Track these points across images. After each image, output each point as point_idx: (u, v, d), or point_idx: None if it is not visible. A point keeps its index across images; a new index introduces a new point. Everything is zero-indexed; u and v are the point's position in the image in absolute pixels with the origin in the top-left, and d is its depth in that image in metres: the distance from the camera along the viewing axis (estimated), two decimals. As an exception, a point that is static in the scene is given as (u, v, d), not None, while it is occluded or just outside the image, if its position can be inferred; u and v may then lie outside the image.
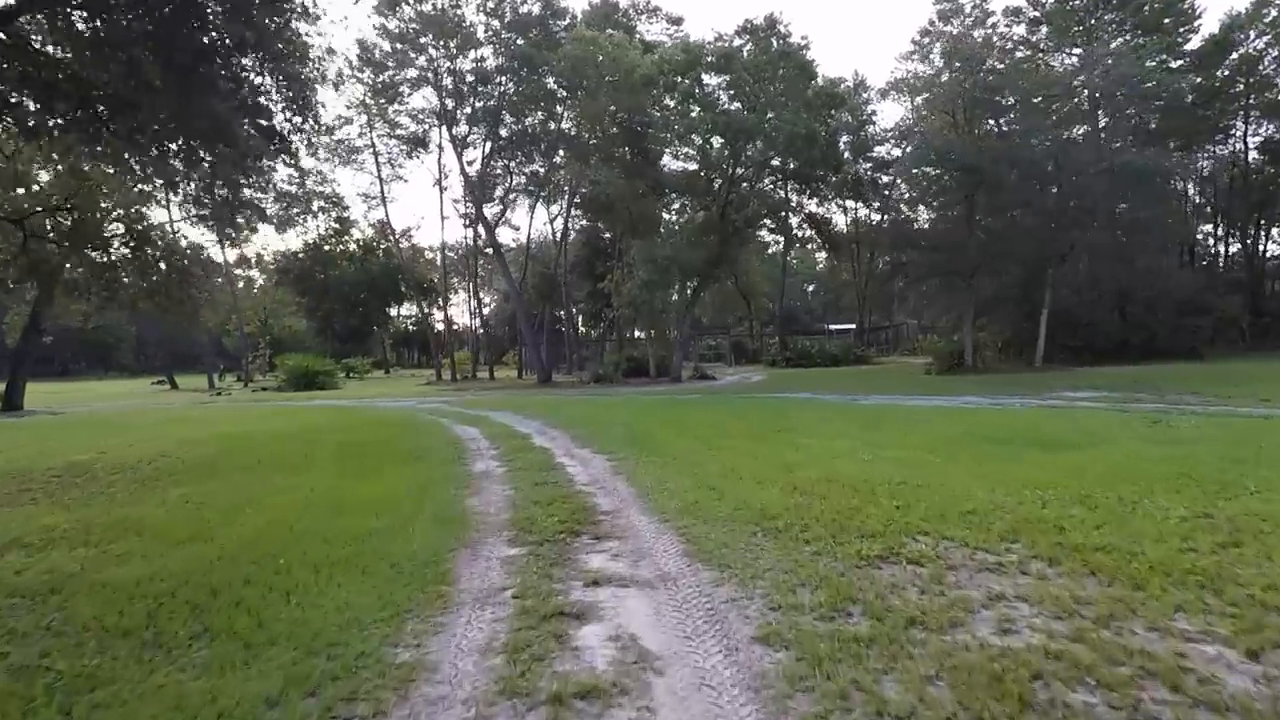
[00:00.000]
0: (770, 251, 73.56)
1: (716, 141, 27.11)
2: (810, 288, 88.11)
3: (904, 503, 5.50)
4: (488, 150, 32.62)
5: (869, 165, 40.75)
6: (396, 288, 58.58)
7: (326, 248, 57.33)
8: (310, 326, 61.54)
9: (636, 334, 48.16)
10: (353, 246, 59.29)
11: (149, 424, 15.29)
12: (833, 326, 64.49)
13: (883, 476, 6.47)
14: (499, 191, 35.87)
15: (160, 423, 15.52)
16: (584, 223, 50.06)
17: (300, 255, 56.83)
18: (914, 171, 27.45)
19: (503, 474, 7.78)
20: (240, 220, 10.12)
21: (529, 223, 43.64)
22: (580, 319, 56.48)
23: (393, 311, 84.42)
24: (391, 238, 48.50)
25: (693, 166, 30.16)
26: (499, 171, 34.71)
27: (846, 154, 37.86)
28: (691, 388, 24.51)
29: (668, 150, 32.61)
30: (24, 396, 19.76)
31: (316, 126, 10.30)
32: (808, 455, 7.93)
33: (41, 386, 49.46)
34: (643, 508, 5.83)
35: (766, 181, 28.12)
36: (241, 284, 71.69)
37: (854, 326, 60.27)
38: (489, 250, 37.47)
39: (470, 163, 33.33)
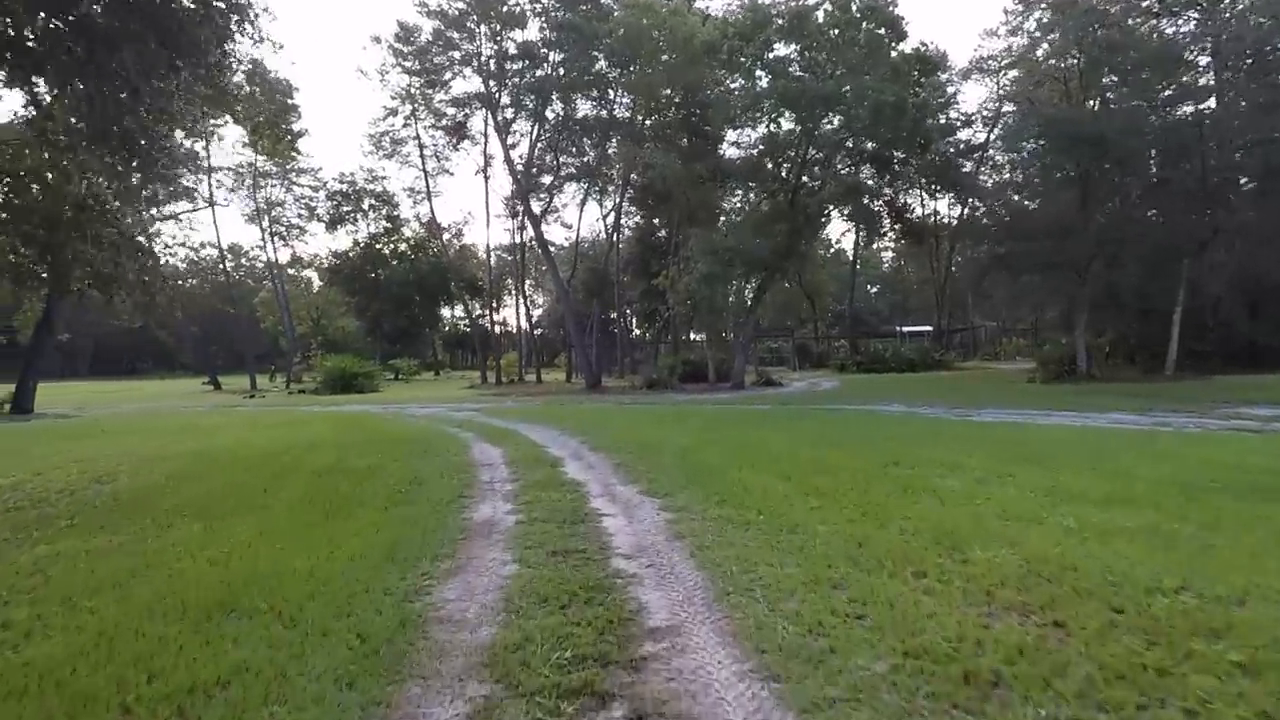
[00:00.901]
0: (835, 248, 69.93)
1: (785, 121, 24.36)
2: (874, 289, 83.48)
3: (1244, 654, 2.84)
4: (534, 135, 30.57)
5: (950, 151, 37.08)
6: (446, 287, 57.59)
7: (378, 246, 56.76)
8: (360, 327, 61.20)
9: (693, 336, 45.64)
10: (403, 246, 58.62)
11: (139, 432, 13.65)
12: (905, 328, 60.38)
13: (1138, 573, 3.78)
14: (546, 180, 33.79)
15: (153, 431, 13.86)
16: (638, 219, 47.93)
17: (350, 254, 56.42)
18: (1017, 151, 24.02)
19: (511, 529, 5.43)
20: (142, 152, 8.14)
21: (579, 218, 40.48)
22: (633, 320, 54.30)
23: (446, 312, 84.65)
24: (438, 234, 47.21)
25: (757, 150, 27.50)
26: (546, 159, 32.63)
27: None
28: (757, 395, 21.80)
29: (729, 133, 30.03)
30: (34, 399, 18.71)
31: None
32: (966, 514, 5.26)
33: (91, 385, 50.36)
34: (724, 629, 3.33)
35: (840, 166, 25.13)
36: (296, 284, 72.79)
37: (929, 328, 56.18)
38: (535, 245, 35.65)
39: (513, 145, 31.32)
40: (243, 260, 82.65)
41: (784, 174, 25.34)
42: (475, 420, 14.81)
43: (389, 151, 37.33)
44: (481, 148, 34.78)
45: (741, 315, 24.35)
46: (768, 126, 24.99)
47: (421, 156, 37.30)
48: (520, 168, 30.27)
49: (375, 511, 5.98)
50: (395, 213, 56.05)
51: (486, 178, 35.29)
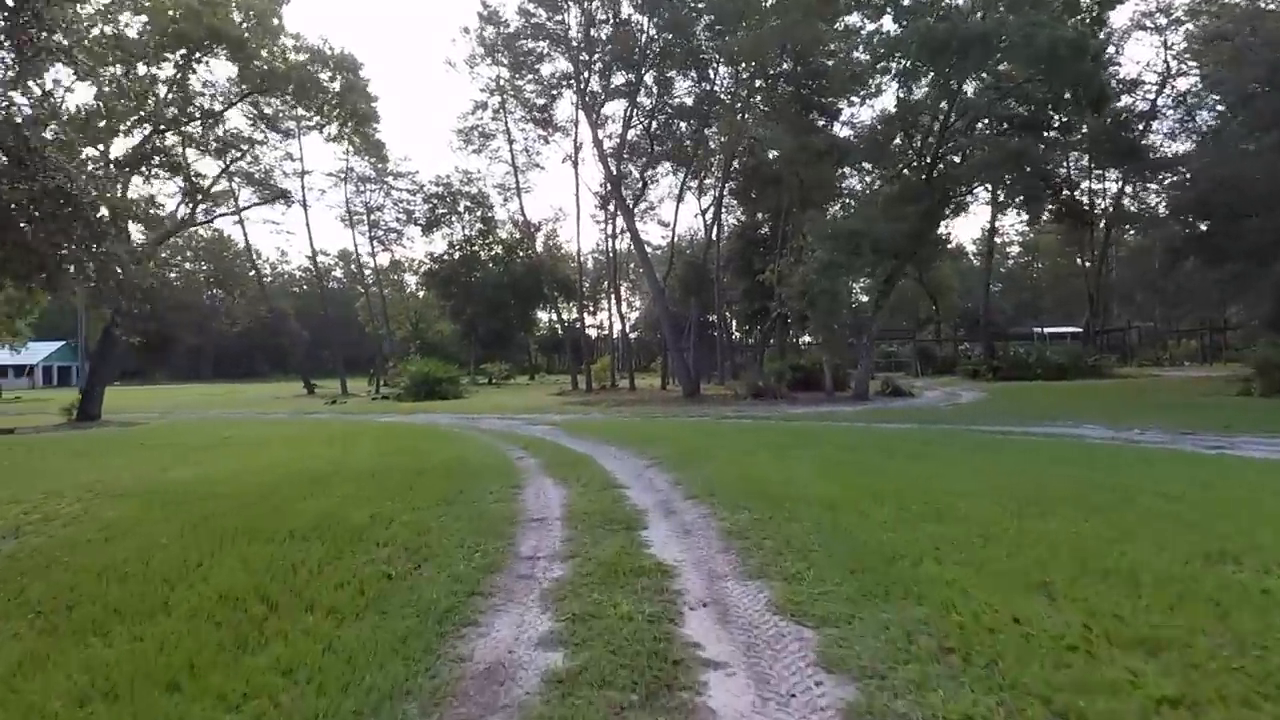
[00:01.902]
0: (953, 240, 63.67)
1: (919, 87, 20.65)
2: (996, 287, 75.37)
3: None
4: (627, 114, 27.94)
5: (1123, 117, 31.60)
6: (539, 289, 56.61)
7: (472, 248, 56.52)
8: (455, 330, 61.32)
9: (801, 338, 41.92)
10: (497, 249, 58.18)
11: (163, 447, 12.16)
12: (1044, 329, 53.69)
13: None
14: (639, 165, 31.20)
15: (180, 447, 12.33)
16: (738, 214, 44.74)
17: (446, 257, 56.47)
18: (1223, 104, 19.16)
19: (534, 691, 2.82)
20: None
21: (675, 213, 38.02)
22: (732, 322, 51.08)
23: (543, 316, 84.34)
24: (531, 235, 45.86)
25: (881, 124, 23.83)
26: (639, 145, 30.05)
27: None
28: (887, 409, 18.30)
29: (845, 109, 26.49)
30: (101, 405, 18.10)
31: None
32: None
33: (200, 388, 52.50)
34: None
35: (989, 132, 21.07)
36: (397, 289, 74.45)
37: (1075, 330, 49.50)
38: (626, 235, 33.28)
39: (601, 126, 28.83)
40: (353, 265, 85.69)
41: (917, 146, 21.61)
42: (548, 439, 12.37)
43: (478, 146, 36.14)
44: (571, 138, 32.85)
45: (866, 312, 20.80)
46: (899, 90, 21.36)
47: (511, 151, 35.87)
48: (611, 151, 27.87)
49: (307, 642, 3.46)
50: (490, 214, 55.67)
51: (576, 165, 33.01)
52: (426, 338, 68.57)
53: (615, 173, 26.17)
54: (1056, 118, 20.82)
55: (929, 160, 20.64)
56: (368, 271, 64.19)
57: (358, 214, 53.52)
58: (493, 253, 57.79)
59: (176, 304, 76.65)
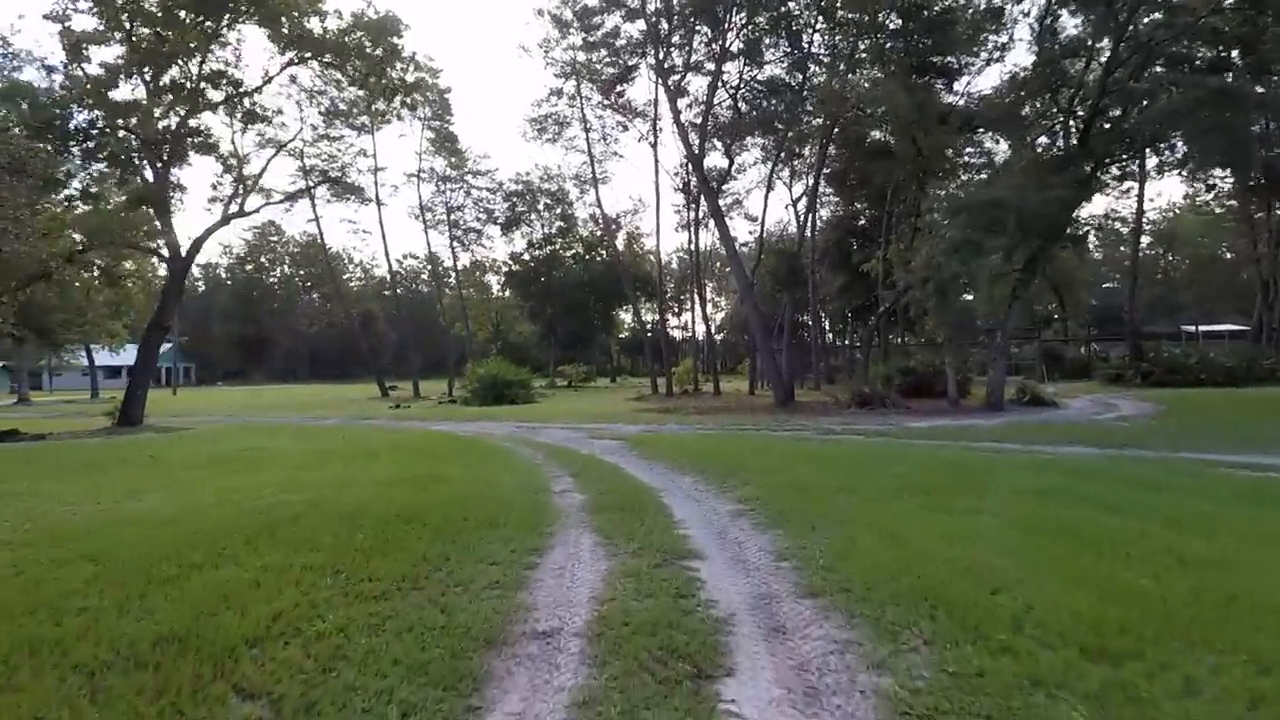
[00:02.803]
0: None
1: (1068, 27, 16.92)
2: (1108, 285, 66.75)
3: None
4: (712, 78, 24.80)
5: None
6: (619, 287, 54.63)
7: (551, 247, 55.17)
8: (534, 332, 60.22)
9: (908, 339, 37.81)
10: (577, 247, 56.62)
11: (186, 460, 10.39)
12: (1198, 327, 46.80)
13: None
14: (723, 142, 28.17)
15: (192, 464, 10.55)
16: (834, 205, 41.07)
17: (525, 257, 55.37)
18: None
19: None
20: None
21: (765, 200, 34.67)
22: (825, 321, 47.23)
23: (626, 315, 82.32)
24: (611, 231, 43.70)
25: (1013, 84, 19.98)
26: (723, 115, 26.97)
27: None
28: (1037, 425, 14.76)
29: (968, 67, 22.76)
30: (143, 408, 17.05)
31: None
32: None
33: (281, 390, 53.01)
34: None
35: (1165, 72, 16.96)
36: (479, 290, 74.40)
37: (1239, 328, 42.78)
38: (709, 228, 30.57)
39: (683, 93, 25.87)
40: (433, 266, 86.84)
41: (1063, 103, 17.77)
42: (608, 460, 9.86)
43: (553, 135, 34.27)
44: (650, 119, 30.37)
45: (1003, 304, 17.12)
46: (1035, 39, 17.62)
47: (588, 140, 33.80)
48: (692, 125, 25.02)
49: None
50: (570, 210, 54.15)
51: (655, 144, 30.46)
52: (508, 339, 68.08)
53: (697, 151, 23.42)
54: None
55: (1081, 117, 16.82)
56: (450, 272, 64.19)
57: (438, 214, 53.23)
58: (572, 251, 56.28)
59: (271, 307, 79.94)
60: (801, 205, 41.14)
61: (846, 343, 61.06)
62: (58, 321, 33.09)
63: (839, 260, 43.00)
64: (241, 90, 16.07)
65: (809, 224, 28.91)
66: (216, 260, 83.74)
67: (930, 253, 15.52)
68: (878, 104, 16.91)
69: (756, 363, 34.46)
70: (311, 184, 35.72)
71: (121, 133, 14.07)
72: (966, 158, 20.74)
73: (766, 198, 32.90)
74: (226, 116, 16.74)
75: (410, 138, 42.83)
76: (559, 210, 54.24)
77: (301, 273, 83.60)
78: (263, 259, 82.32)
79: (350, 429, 16.98)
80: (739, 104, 24.27)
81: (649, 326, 48.89)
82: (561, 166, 44.26)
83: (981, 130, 20.32)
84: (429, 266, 76.06)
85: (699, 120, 24.94)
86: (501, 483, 7.86)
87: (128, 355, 65.16)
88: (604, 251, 54.58)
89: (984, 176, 18.66)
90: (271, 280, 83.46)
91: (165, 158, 15.12)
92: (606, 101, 32.46)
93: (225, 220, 18.50)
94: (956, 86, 23.83)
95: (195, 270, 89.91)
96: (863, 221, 42.33)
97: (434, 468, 9.06)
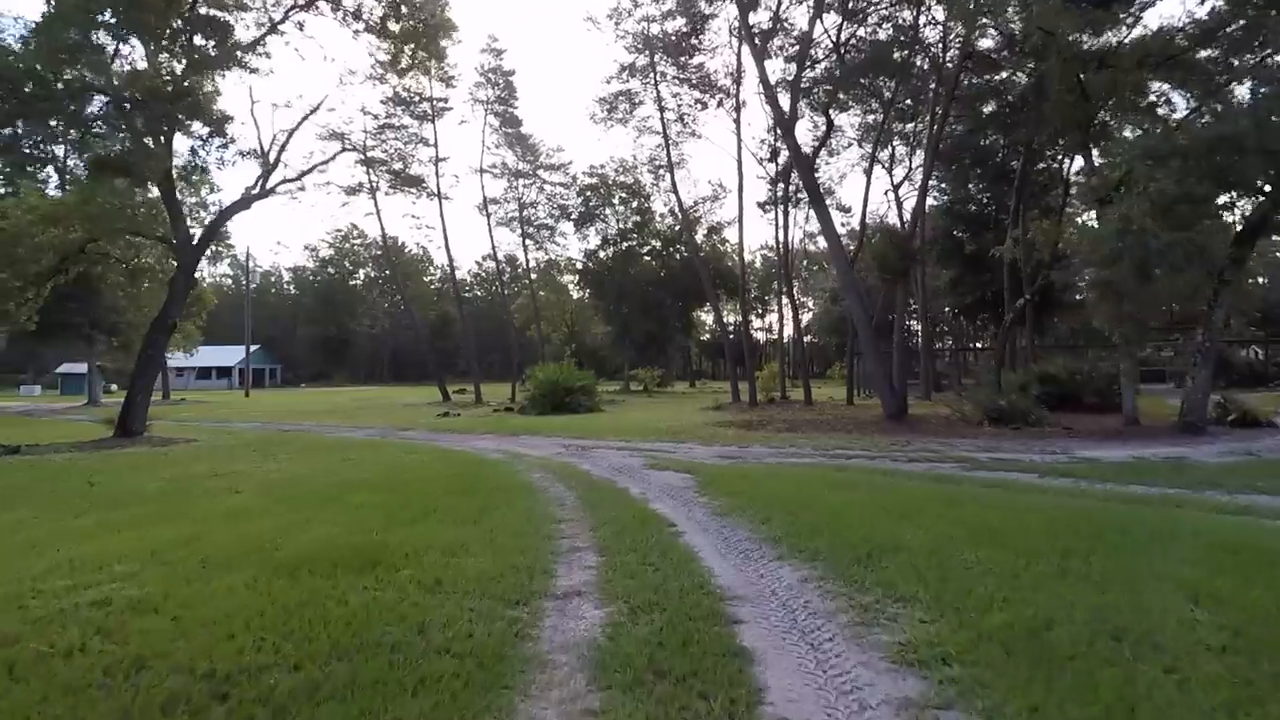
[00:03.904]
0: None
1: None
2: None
3: None
4: (810, 27, 20.91)
5: None
6: (698, 285, 51.19)
7: (626, 243, 52.31)
8: (609, 333, 57.52)
9: (1034, 340, 32.61)
10: (654, 242, 53.55)
11: (109, 501, 7.86)
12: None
13: None
14: (818, 104, 24.15)
15: (125, 500, 8.02)
16: (938, 193, 36.22)
17: (600, 254, 52.76)
18: None
19: None
20: None
21: (868, 170, 30.35)
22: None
23: (706, 316, 78.29)
24: (688, 221, 40.24)
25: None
26: (822, 53, 22.91)
27: None
28: (1274, 456, 10.50)
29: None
30: (145, 417, 15.05)
31: None
32: None
33: (352, 390, 52.09)
34: None
35: None
36: (555, 290, 72.49)
37: None
38: (802, 201, 26.62)
39: (770, 47, 22.05)
40: (506, 266, 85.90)
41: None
42: (662, 518, 6.59)
43: (624, 116, 31.30)
44: (731, 88, 26.87)
45: (1210, 290, 12.62)
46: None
47: (662, 120, 30.56)
48: (784, 82, 21.28)
49: None
50: (646, 204, 51.17)
51: (739, 118, 26.98)
52: (583, 341, 65.76)
53: (788, 115, 19.71)
54: None
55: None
56: (522, 271, 62.36)
57: (509, 210, 51.45)
58: (648, 247, 53.24)
59: (351, 310, 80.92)
60: (904, 189, 36.66)
61: (948, 345, 55.34)
62: (126, 322, 32.79)
63: (948, 250, 38.10)
64: (235, 44, 13.83)
65: (921, 202, 24.47)
66: (303, 264, 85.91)
67: (1128, 216, 11.33)
68: (1038, 20, 12.81)
69: (855, 367, 30.32)
70: (374, 178, 34.27)
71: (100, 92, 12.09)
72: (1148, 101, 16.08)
73: (870, 171, 28.24)
74: (223, 73, 14.67)
75: (472, 124, 40.95)
76: (635, 204, 51.39)
77: (384, 274, 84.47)
78: (345, 262, 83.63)
79: (369, 445, 14.39)
80: (841, 51, 20.23)
81: (730, 327, 45.18)
82: (635, 154, 41.14)
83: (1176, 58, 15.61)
84: (496, 265, 74.71)
85: (791, 76, 21.15)
86: (466, 578, 4.69)
87: (211, 356, 67.33)
88: (682, 247, 51.23)
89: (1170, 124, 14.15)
90: (354, 283, 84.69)
91: (161, 124, 13.08)
92: (681, 75, 29.23)
93: (245, 202, 16.46)
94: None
95: (284, 273, 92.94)
96: (973, 206, 37.41)
97: (387, 529, 6.04)
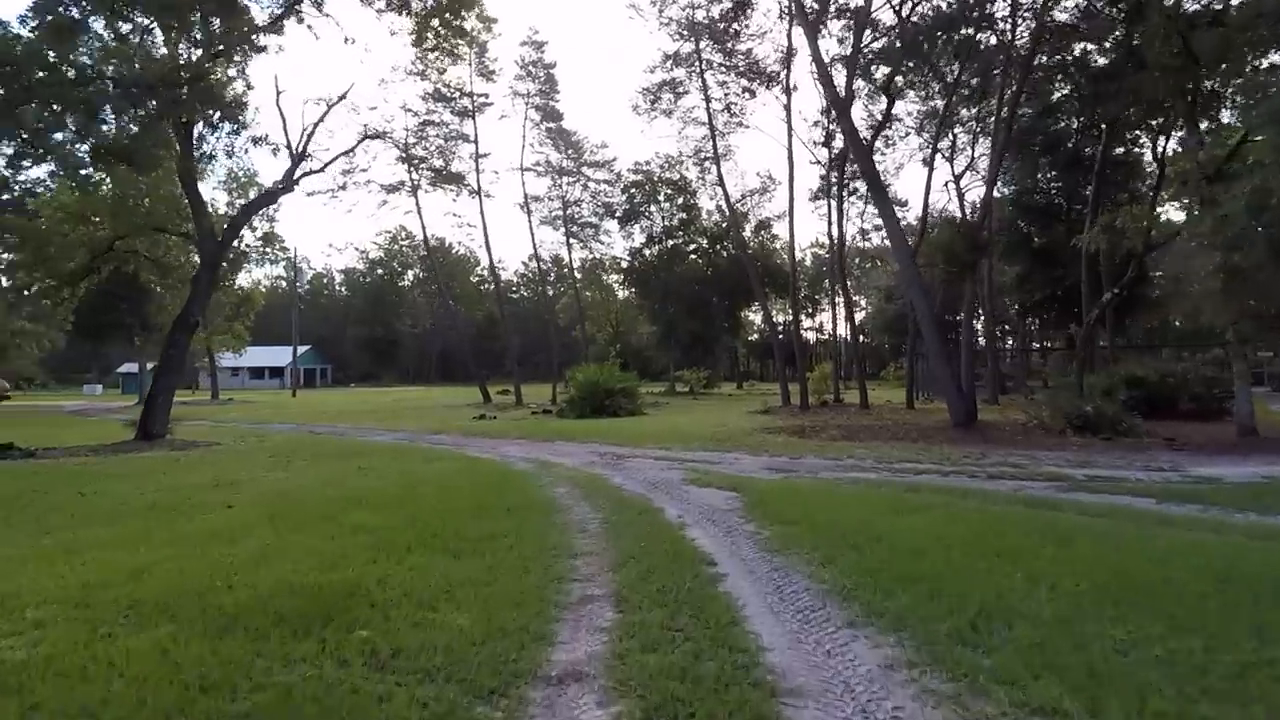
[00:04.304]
0: None
1: None
2: None
3: None
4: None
5: None
6: (746, 282, 49.67)
7: (673, 241, 51.15)
8: (654, 333, 56.42)
9: (1112, 341, 30.22)
10: (700, 240, 52.30)
11: (90, 516, 7.15)
12: None
13: None
14: (873, 83, 22.53)
15: (114, 513, 7.29)
16: (1005, 180, 33.96)
17: (645, 252, 51.72)
18: None
19: None
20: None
21: (931, 149, 28.43)
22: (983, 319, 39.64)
23: (755, 316, 76.38)
24: (735, 218, 38.77)
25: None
26: (873, 71, 21.57)
27: None
28: None
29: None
30: (166, 420, 14.55)
31: None
32: None
33: (396, 390, 52.44)
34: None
35: None
36: (599, 290, 71.73)
37: None
38: (859, 189, 24.93)
39: (824, 20, 20.48)
40: (562, 267, 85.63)
41: None
42: (700, 554, 5.45)
43: (668, 107, 30.18)
44: (780, 74, 25.47)
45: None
46: None
47: (708, 111, 29.27)
48: (840, 58, 19.77)
49: None
50: (692, 200, 49.92)
51: (789, 104, 25.52)
52: (629, 342, 64.76)
53: (843, 94, 18.23)
54: None
55: None
56: (573, 272, 61.78)
57: (553, 209, 50.90)
58: (694, 245, 51.93)
59: (398, 311, 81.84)
60: (966, 180, 34.56)
61: (1010, 345, 52.55)
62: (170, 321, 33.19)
63: (1015, 244, 35.86)
64: (250, 23, 13.22)
65: (990, 190, 22.55)
66: (355, 266, 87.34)
67: (1265, 188, 9.60)
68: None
69: (915, 368, 28.53)
70: (415, 176, 33.96)
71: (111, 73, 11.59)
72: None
73: (931, 160, 26.24)
74: (240, 58, 14.10)
75: (512, 119, 40.31)
76: (680, 201, 50.17)
77: (430, 274, 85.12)
78: (394, 263, 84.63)
79: (393, 451, 13.60)
80: (903, 16, 18.50)
81: (780, 327, 43.55)
82: (680, 148, 39.91)
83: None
84: (538, 265, 74.19)
85: (847, 53, 19.66)
86: (437, 646, 3.63)
87: (263, 356, 68.78)
88: (729, 244, 49.78)
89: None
90: (402, 284, 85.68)
91: (177, 113, 12.57)
92: (728, 63, 27.94)
93: (271, 196, 15.98)
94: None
95: (336, 275, 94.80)
96: (1041, 197, 35.08)
97: (371, 561, 5.06)
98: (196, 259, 20.77)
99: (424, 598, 4.21)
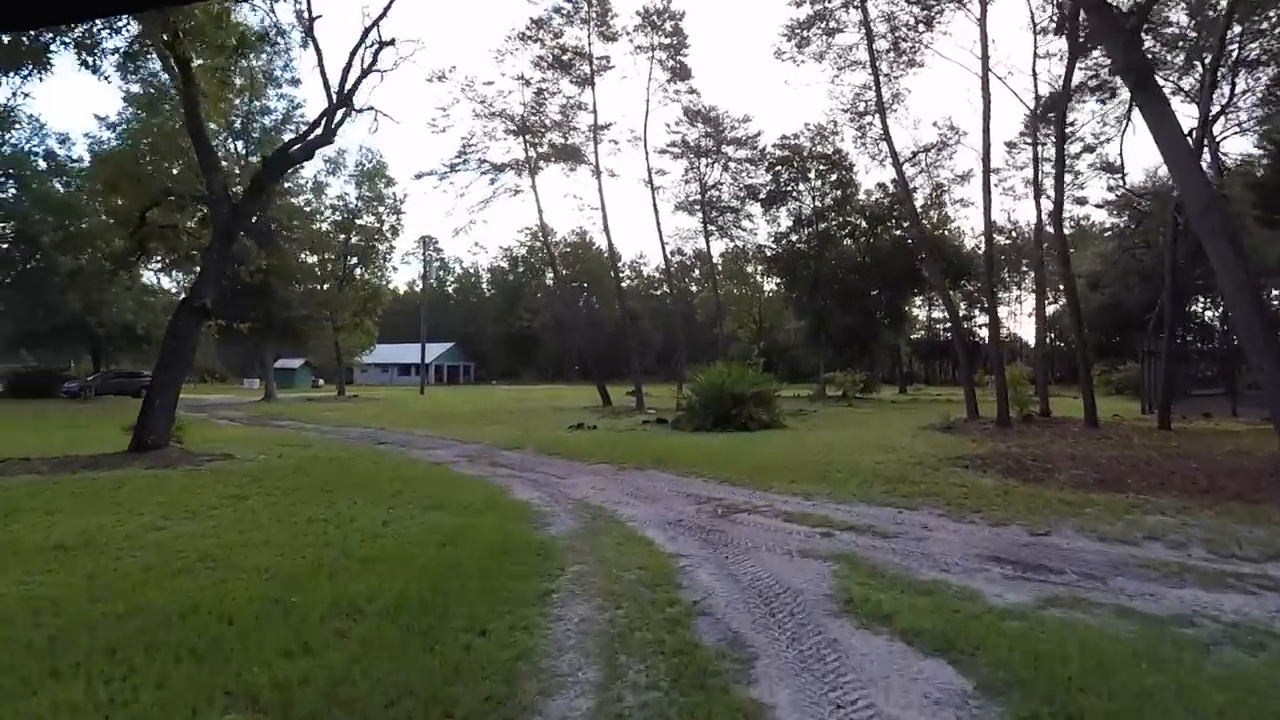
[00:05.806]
0: None
1: None
2: None
3: None
4: None
5: None
6: (914, 271, 42.90)
7: (824, 224, 45.23)
8: (802, 329, 50.72)
9: None
10: (858, 221, 46.04)
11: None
12: None
13: None
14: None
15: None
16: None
17: (792, 237, 46.23)
18: None
19: None
20: None
21: (1207, 100, 21.17)
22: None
23: (920, 311, 67.85)
24: (904, 191, 32.44)
25: None
26: None
27: None
28: None
29: None
30: (167, 427, 11.80)
31: None
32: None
33: (524, 389, 50.60)
34: None
35: None
36: (743, 282, 66.81)
37: None
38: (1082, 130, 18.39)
39: None
40: (702, 258, 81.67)
41: None
42: None
43: (819, 49, 25.01)
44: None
45: None
46: None
47: (870, 52, 23.69)
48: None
49: None
50: (849, 176, 43.78)
51: (985, 4, 19.64)
52: (774, 339, 59.14)
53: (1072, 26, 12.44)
54: None
55: None
56: (710, 262, 57.43)
57: (691, 194, 46.93)
58: (849, 227, 45.69)
59: (537, 308, 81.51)
60: (1219, 126, 26.35)
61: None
62: (299, 317, 32.89)
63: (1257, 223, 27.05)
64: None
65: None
66: (500, 264, 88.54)
67: None
68: None
69: (1150, 369, 21.41)
70: (534, 154, 31.27)
71: None
72: None
73: (1216, 66, 19.12)
74: None
75: (634, 80, 36.52)
76: (834, 177, 44.13)
77: (573, 270, 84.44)
78: (535, 260, 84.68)
79: (420, 480, 10.02)
80: None
81: (963, 319, 36.64)
82: (833, 104, 34.16)
83: None
84: (665, 257, 69.40)
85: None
86: None
87: (403, 353, 70.59)
88: (894, 222, 43.11)
89: None
90: (546, 281, 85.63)
91: (165, 41, 10.01)
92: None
93: (305, 150, 13.17)
94: None
95: (482, 274, 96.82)
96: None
97: None
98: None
99: None
